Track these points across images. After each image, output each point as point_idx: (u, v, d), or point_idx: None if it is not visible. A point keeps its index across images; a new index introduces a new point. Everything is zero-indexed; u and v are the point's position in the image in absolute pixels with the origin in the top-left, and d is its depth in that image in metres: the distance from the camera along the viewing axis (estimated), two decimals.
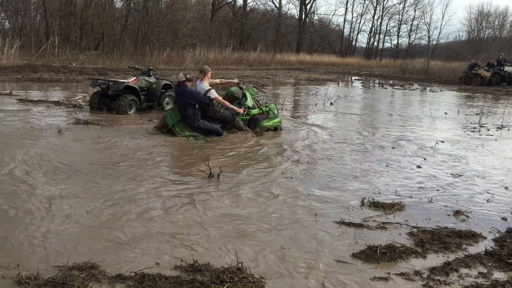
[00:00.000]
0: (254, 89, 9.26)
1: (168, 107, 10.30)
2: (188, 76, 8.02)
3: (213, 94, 7.93)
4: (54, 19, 23.64)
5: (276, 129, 8.78)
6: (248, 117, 8.47)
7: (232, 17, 40.68)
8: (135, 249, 3.58)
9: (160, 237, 3.81)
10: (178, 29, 28.40)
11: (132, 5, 26.94)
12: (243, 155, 6.85)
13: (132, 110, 9.64)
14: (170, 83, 10.57)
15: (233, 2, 41.18)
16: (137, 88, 9.72)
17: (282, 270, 3.41)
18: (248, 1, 42.74)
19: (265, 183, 5.50)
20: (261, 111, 8.62)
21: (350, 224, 4.33)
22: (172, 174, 5.67)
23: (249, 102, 8.50)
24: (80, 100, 11.24)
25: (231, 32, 39.97)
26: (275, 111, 8.88)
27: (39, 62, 19.82)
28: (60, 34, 23.48)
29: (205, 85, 8.07)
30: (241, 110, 8.22)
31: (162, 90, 10.31)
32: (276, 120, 8.78)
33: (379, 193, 5.37)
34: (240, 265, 3.35)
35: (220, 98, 8.11)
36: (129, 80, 9.76)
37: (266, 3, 48.56)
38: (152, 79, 10.23)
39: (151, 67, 10.83)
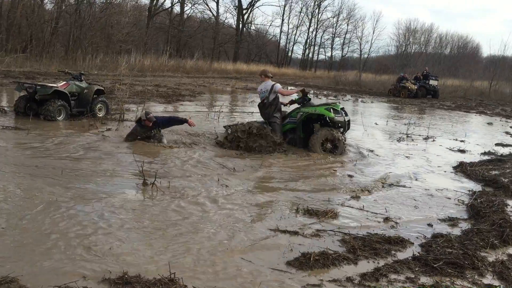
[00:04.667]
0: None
1: (100, 114, 9.94)
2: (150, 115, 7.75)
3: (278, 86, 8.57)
4: None
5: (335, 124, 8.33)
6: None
7: (169, 24, 40.20)
8: (59, 260, 3.38)
9: (87, 247, 3.63)
10: (113, 34, 27.60)
11: (63, 7, 25.88)
12: (183, 162, 6.72)
13: (62, 116, 9.19)
14: (102, 88, 10.22)
15: (170, 9, 40.82)
16: (67, 93, 9.30)
17: (216, 278, 3.35)
18: (185, 9, 42.58)
19: (200, 191, 5.42)
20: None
21: (285, 232, 4.35)
22: (104, 181, 5.45)
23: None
24: (4, 105, 10.60)
25: (167, 39, 39.42)
26: (328, 110, 8.26)
27: None
28: None
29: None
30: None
31: (94, 96, 9.93)
32: (320, 108, 8.32)
33: (312, 200, 5.45)
34: (172, 276, 3.25)
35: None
36: (59, 85, 9.33)
37: (204, 11, 48.18)
38: (83, 84, 9.83)
39: (82, 72, 10.41)
